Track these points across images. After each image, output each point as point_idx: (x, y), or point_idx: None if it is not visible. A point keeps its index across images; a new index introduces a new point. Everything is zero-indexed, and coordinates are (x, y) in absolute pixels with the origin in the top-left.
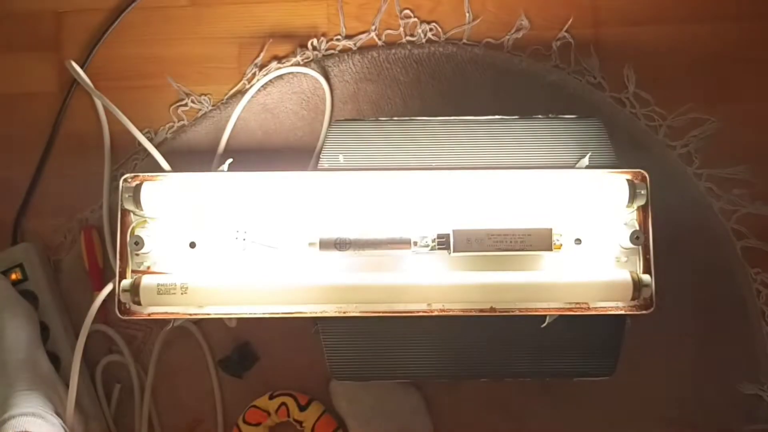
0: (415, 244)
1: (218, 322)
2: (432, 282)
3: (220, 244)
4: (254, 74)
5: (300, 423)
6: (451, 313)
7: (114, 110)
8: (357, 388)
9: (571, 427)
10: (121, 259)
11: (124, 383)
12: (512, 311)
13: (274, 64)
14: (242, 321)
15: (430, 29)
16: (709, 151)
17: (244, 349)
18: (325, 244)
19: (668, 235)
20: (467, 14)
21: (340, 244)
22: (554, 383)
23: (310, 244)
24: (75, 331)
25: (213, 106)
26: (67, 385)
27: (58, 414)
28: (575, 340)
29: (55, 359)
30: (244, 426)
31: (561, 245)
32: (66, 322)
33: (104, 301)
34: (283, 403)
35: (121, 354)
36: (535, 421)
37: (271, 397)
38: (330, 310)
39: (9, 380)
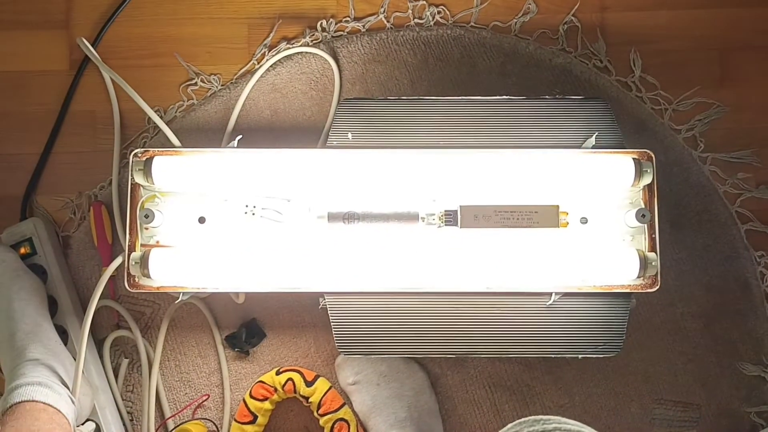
0: (423, 219)
1: (226, 299)
2: (439, 259)
3: (229, 220)
4: (263, 54)
5: (306, 398)
6: (457, 289)
7: (124, 85)
8: (363, 364)
9: (575, 406)
10: (130, 233)
11: (131, 358)
12: (518, 289)
13: (283, 45)
14: (249, 298)
15: (438, 12)
16: (714, 135)
17: (251, 326)
18: (333, 217)
19: (673, 218)
20: None
21: (348, 218)
22: (559, 362)
23: (319, 217)
24: (83, 305)
25: (222, 85)
26: (74, 358)
27: (64, 385)
28: (581, 318)
29: (62, 333)
30: (251, 401)
31: (567, 224)
32: (74, 297)
33: (112, 278)
34: (290, 379)
35: (129, 330)
36: (540, 400)
37: (277, 373)
38: (337, 285)
39: (16, 350)
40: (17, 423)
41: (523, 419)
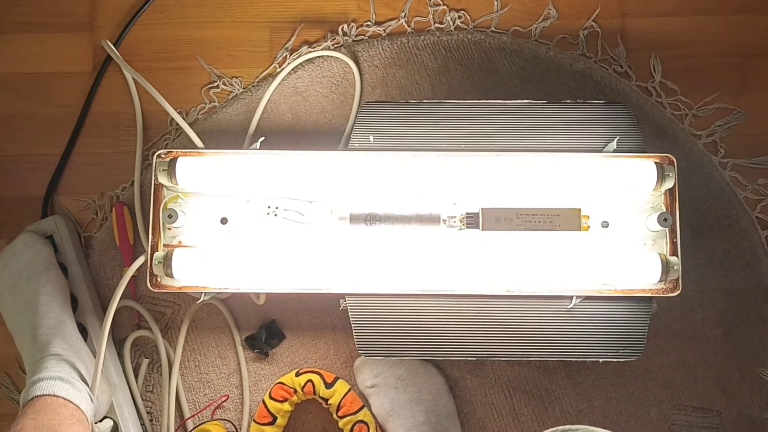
0: (444, 222)
1: (246, 301)
2: (459, 262)
3: (251, 221)
4: (285, 58)
5: (326, 400)
6: (477, 292)
7: (148, 87)
8: (382, 367)
9: (594, 410)
10: (153, 233)
11: (151, 359)
12: (539, 292)
13: (304, 48)
14: (269, 299)
15: (459, 17)
16: (735, 141)
17: (270, 327)
18: (355, 219)
19: (693, 224)
20: (495, 2)
21: (370, 219)
22: (578, 366)
23: (341, 218)
24: (103, 306)
25: (244, 88)
26: (94, 355)
27: (84, 381)
28: (602, 322)
29: (82, 330)
30: (270, 402)
31: (589, 227)
32: (94, 295)
33: (133, 278)
34: (310, 380)
35: (150, 330)
36: (559, 404)
37: (297, 374)
38: (358, 287)
39: (39, 344)
40: (38, 416)
41: (551, 429)
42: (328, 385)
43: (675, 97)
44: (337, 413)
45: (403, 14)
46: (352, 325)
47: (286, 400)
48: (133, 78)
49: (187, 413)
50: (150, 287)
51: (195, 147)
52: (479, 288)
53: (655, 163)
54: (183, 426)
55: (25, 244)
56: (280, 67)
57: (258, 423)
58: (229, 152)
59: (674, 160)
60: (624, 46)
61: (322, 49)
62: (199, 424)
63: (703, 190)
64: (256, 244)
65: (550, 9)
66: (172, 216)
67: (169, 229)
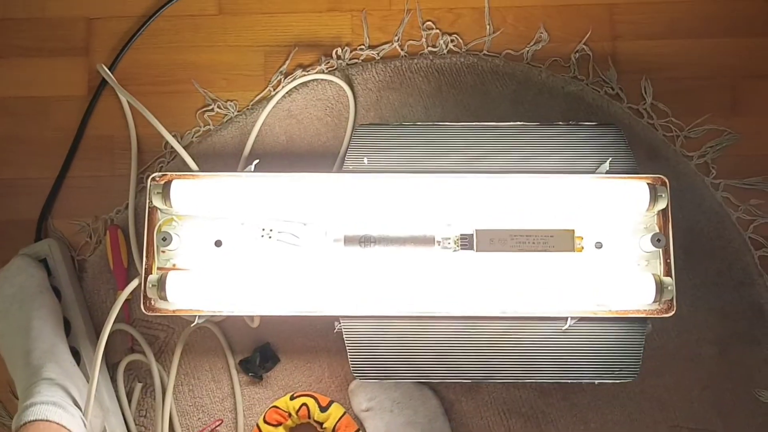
0: (438, 243)
1: (240, 324)
2: (454, 283)
3: (245, 243)
4: (279, 81)
5: (320, 424)
6: (472, 314)
7: (143, 110)
8: (377, 390)
9: None
10: (147, 256)
11: (144, 383)
12: (533, 313)
13: (299, 72)
14: (263, 323)
15: (452, 40)
16: (726, 162)
17: (264, 351)
18: (349, 241)
19: (686, 244)
20: (488, 26)
21: (365, 241)
22: (574, 388)
23: (335, 240)
24: (96, 329)
25: (238, 111)
26: (87, 379)
27: (77, 406)
28: (597, 343)
29: (75, 354)
30: (264, 426)
31: (582, 248)
32: (87, 319)
33: (127, 301)
34: (304, 404)
35: (143, 354)
36: (555, 426)
37: (292, 398)
38: (353, 309)
39: (32, 368)
40: None
41: None
42: (323, 409)
43: (666, 119)
44: None
45: (396, 38)
46: (347, 348)
47: (280, 424)
48: (128, 101)
49: None
50: (144, 310)
51: (189, 170)
52: (474, 310)
53: (648, 183)
54: None
55: (18, 267)
56: (274, 90)
57: None
58: (223, 175)
59: (667, 180)
60: (615, 69)
61: (316, 73)
62: None
63: (696, 210)
64: (251, 267)
65: (542, 32)
66: (166, 239)
67: (163, 252)
